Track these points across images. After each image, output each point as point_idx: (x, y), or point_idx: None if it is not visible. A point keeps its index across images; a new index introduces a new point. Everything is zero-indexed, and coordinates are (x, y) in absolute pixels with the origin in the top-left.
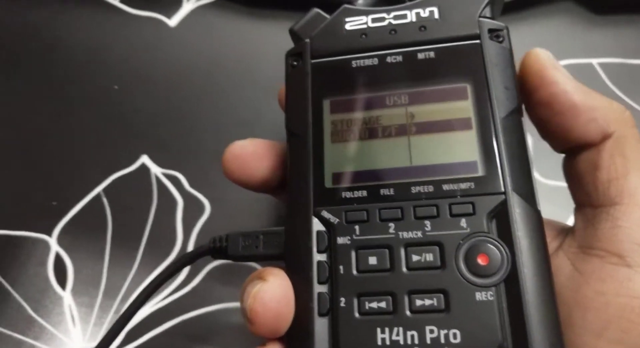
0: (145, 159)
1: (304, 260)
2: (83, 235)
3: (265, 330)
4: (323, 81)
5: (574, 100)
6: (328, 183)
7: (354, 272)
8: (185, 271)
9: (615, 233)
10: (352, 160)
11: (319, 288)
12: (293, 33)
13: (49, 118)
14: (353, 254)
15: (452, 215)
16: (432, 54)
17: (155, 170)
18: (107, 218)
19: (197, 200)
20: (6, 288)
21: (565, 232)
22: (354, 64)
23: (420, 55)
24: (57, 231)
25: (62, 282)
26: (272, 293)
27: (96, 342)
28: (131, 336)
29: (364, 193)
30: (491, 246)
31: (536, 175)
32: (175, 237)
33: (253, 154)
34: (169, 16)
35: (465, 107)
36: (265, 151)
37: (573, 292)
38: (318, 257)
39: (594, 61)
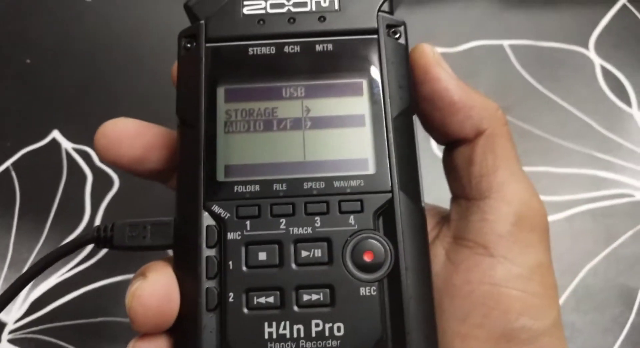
0: (56, 134)
1: (192, 255)
2: None
3: (146, 329)
4: (218, 67)
5: (453, 98)
6: (220, 176)
7: (244, 267)
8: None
9: (482, 225)
10: (245, 153)
11: (207, 284)
12: (188, 9)
13: None
14: (243, 250)
15: (341, 212)
16: (330, 47)
17: (66, 145)
18: (16, 193)
19: (107, 175)
20: None
21: (443, 220)
22: (250, 51)
23: (319, 47)
24: None
25: None
26: (151, 291)
27: (6, 313)
28: (35, 306)
29: (257, 187)
30: (376, 243)
31: (437, 152)
32: (83, 211)
33: (125, 133)
34: None
35: (359, 103)
36: (140, 131)
37: (444, 280)
38: (207, 252)
39: (505, 43)
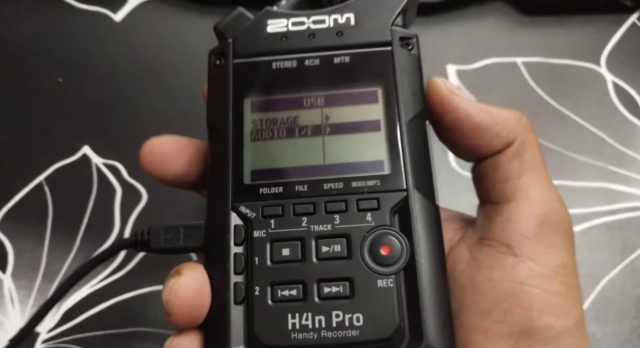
0: (86, 150)
1: (221, 252)
2: (24, 221)
3: (182, 321)
4: (244, 81)
5: (476, 122)
6: (247, 179)
7: (268, 263)
8: (120, 256)
9: (506, 226)
10: (269, 158)
11: (235, 279)
12: (217, 31)
13: None
14: (268, 246)
15: (359, 209)
16: (347, 59)
17: (96, 160)
18: (48, 206)
19: (135, 189)
20: None
21: (468, 224)
22: (274, 65)
23: (337, 60)
24: None
25: (2, 265)
26: (186, 286)
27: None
28: (68, 316)
29: (280, 189)
30: (393, 238)
31: (455, 166)
32: (113, 223)
33: (169, 150)
34: (114, 11)
35: (375, 110)
36: (182, 147)
37: (468, 277)
38: (235, 249)
39: (519, 60)
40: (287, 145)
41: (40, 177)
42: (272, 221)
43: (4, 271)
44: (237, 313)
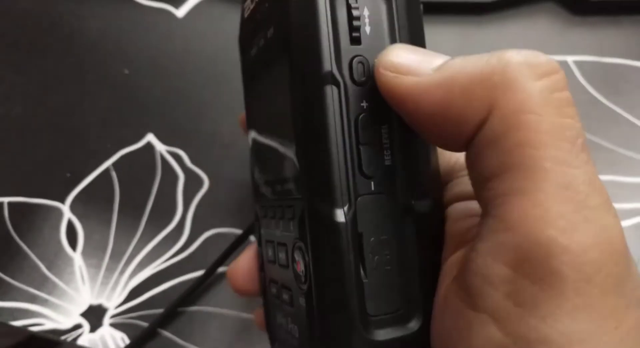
0: (150, 137)
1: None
2: (93, 204)
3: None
4: None
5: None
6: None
7: (267, 260)
8: (183, 238)
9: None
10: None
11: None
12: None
13: (67, 97)
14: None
15: (284, 218)
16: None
17: (160, 147)
18: (115, 190)
19: (197, 175)
20: (24, 249)
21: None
22: None
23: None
24: (69, 200)
25: (73, 245)
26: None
27: (108, 299)
28: (134, 294)
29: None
30: (301, 252)
31: None
32: (175, 208)
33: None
34: (177, 7)
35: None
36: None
37: None
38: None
39: (569, 59)
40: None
41: (108, 163)
42: (263, 221)
43: (74, 250)
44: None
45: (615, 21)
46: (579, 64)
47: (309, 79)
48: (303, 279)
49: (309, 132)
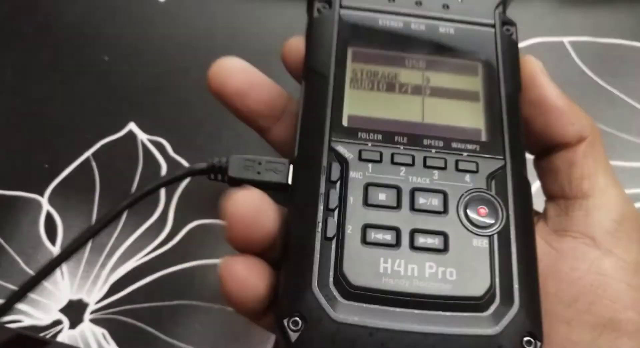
0: (132, 126)
1: (314, 186)
2: (72, 196)
3: (241, 235)
4: (349, 30)
5: (558, 103)
6: (345, 122)
7: (363, 205)
8: (166, 230)
9: (588, 219)
10: (369, 107)
11: (328, 214)
12: None
13: (44, 86)
14: (363, 188)
15: (457, 169)
16: (452, 30)
17: (142, 136)
18: (96, 181)
19: (180, 165)
20: (1, 243)
21: (536, 218)
22: (380, 21)
23: (442, 29)
24: (48, 192)
25: (52, 238)
26: (250, 196)
27: (88, 294)
28: (115, 288)
29: (379, 136)
30: (490, 201)
31: None
32: (158, 199)
33: (233, 66)
34: None
35: (474, 82)
36: (246, 69)
37: (548, 266)
38: (329, 186)
39: (565, 39)
40: (386, 98)
41: (87, 153)
42: (370, 165)
43: (54, 244)
44: (325, 248)
45: (610, 0)
46: (574, 44)
47: None
48: (491, 224)
49: (515, 116)
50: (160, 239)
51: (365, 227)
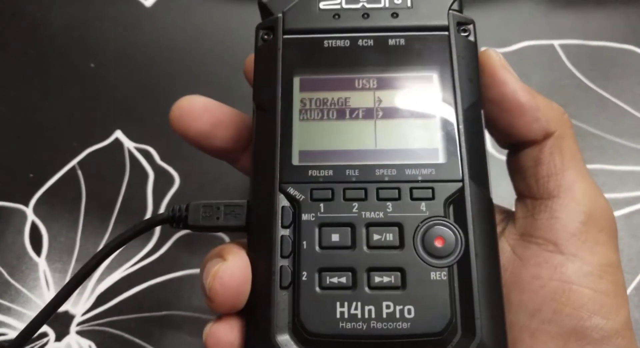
0: (119, 134)
1: (268, 234)
2: (58, 205)
3: (224, 308)
4: (294, 58)
5: (520, 100)
6: (295, 160)
7: (317, 248)
8: (154, 239)
9: (552, 223)
10: (319, 140)
11: (281, 262)
12: (262, 6)
13: (28, 94)
14: (317, 231)
15: (412, 198)
16: (402, 41)
17: (128, 144)
18: (82, 190)
19: (167, 173)
20: None
21: (508, 218)
22: (325, 43)
23: (391, 41)
24: (33, 201)
25: (37, 249)
26: (231, 272)
27: (74, 305)
28: (102, 299)
29: (330, 172)
30: (447, 230)
31: (492, 151)
32: (145, 207)
33: (196, 107)
34: None
35: (429, 96)
36: (209, 107)
37: (512, 274)
38: (282, 232)
39: (556, 42)
40: (337, 128)
41: (73, 162)
42: (322, 205)
43: (39, 254)
44: (282, 298)
45: (600, 3)
46: (564, 47)
47: None
48: (449, 253)
49: (473, 132)
50: (148, 249)
51: (321, 271)
